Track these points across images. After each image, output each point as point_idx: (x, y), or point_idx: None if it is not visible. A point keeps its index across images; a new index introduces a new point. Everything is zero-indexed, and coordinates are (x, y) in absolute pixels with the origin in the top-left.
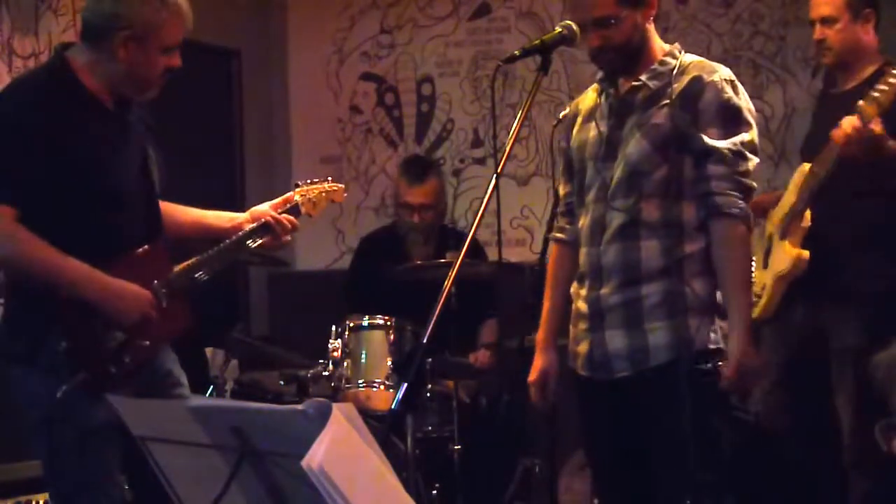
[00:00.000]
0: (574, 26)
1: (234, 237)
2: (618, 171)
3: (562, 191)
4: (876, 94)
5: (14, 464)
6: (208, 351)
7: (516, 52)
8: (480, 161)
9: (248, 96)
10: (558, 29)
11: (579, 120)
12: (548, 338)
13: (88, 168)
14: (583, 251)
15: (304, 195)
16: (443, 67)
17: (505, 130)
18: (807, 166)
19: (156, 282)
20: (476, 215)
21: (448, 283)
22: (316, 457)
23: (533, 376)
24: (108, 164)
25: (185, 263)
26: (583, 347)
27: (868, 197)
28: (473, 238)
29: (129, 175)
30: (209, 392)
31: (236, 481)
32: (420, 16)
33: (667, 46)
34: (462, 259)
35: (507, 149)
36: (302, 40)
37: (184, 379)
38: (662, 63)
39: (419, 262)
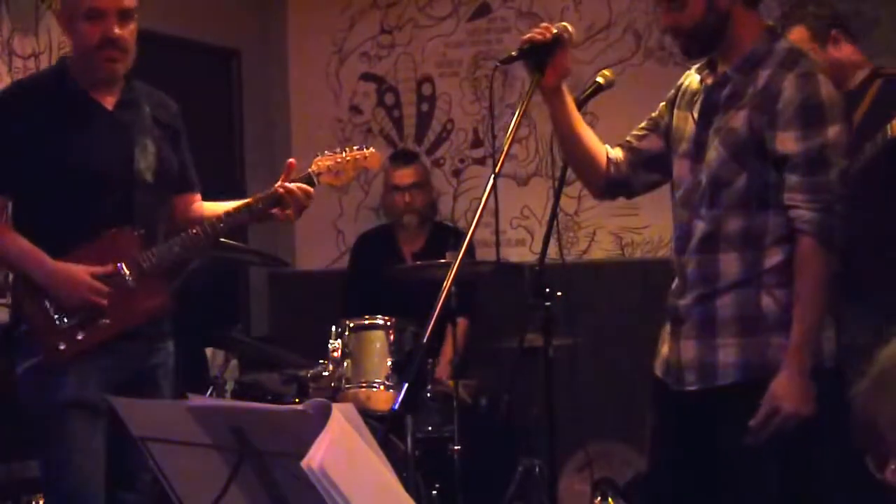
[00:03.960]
0: (570, 28)
1: (233, 208)
2: (703, 177)
3: (635, 131)
4: None
5: (14, 464)
6: (208, 351)
7: (513, 52)
8: (480, 161)
9: (248, 96)
10: (555, 30)
11: (683, 102)
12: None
13: (47, 150)
14: (673, 257)
15: (321, 164)
16: (443, 67)
17: (504, 131)
18: None
19: (121, 265)
20: (476, 215)
21: (448, 283)
22: (316, 457)
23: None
24: (68, 147)
25: (166, 242)
26: (664, 350)
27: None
28: (465, 236)
29: (98, 161)
30: (209, 392)
31: (236, 481)
32: (420, 16)
33: (765, 31)
34: (461, 258)
35: (506, 149)
36: (302, 40)
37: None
38: (752, 54)
39: (418, 263)
